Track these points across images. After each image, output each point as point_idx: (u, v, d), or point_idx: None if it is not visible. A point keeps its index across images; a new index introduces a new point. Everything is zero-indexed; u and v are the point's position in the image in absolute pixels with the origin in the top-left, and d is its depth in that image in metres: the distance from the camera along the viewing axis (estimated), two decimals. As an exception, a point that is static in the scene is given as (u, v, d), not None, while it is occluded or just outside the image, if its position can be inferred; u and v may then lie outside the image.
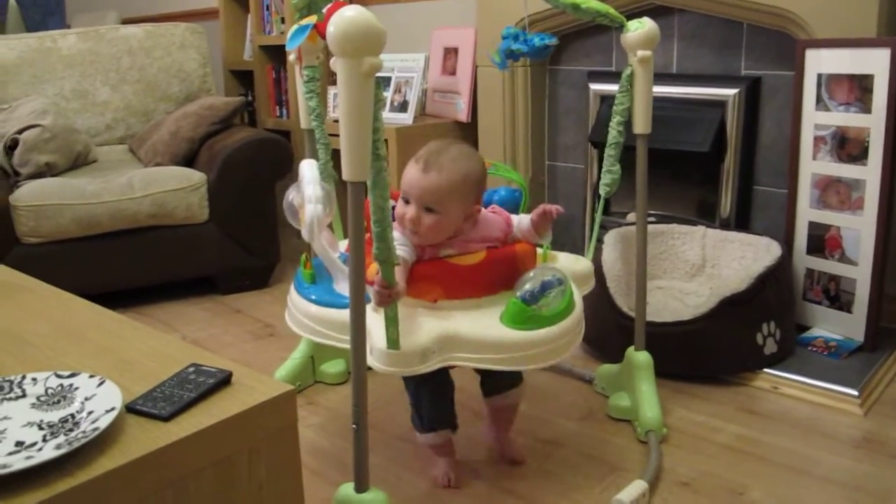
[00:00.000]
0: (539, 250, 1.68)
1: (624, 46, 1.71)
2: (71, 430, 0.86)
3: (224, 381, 0.98)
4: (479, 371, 1.73)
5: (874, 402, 1.95)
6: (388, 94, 3.06)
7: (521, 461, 1.75)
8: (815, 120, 2.13)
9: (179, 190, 2.67)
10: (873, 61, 1.99)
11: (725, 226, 2.46)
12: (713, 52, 2.44)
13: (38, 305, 1.32)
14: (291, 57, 1.83)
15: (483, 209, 1.59)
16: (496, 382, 1.68)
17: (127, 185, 2.62)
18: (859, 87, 2.04)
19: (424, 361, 1.37)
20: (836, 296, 2.18)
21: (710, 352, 2.04)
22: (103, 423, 0.85)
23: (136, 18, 4.20)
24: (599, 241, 2.36)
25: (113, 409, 0.88)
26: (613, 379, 1.97)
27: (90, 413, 0.89)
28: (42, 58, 3.14)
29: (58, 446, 0.82)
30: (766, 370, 2.06)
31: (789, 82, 2.25)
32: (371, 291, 1.32)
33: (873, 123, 2.02)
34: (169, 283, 2.79)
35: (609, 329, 2.11)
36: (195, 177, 2.72)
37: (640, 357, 1.84)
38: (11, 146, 2.72)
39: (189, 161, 2.90)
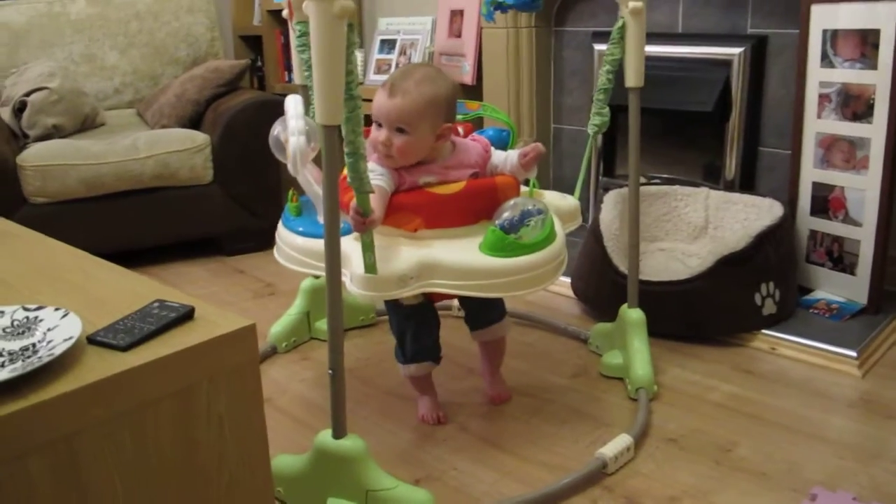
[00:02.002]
0: (524, 188, 1.68)
1: (616, -2, 1.68)
2: (29, 357, 0.87)
3: (186, 315, 0.98)
4: (463, 306, 1.75)
5: (874, 364, 1.92)
6: (393, 57, 3.05)
7: (505, 398, 1.80)
8: (820, 77, 2.09)
9: (183, 151, 2.68)
10: (880, 16, 1.94)
11: (730, 188, 2.42)
12: (719, 11, 2.39)
13: (23, 250, 1.33)
14: (284, 12, 1.83)
15: (461, 136, 1.62)
16: (479, 316, 1.72)
17: (131, 146, 2.64)
18: (865, 43, 1.99)
19: (402, 286, 1.38)
20: (840, 258, 2.14)
21: (707, 311, 2.02)
22: (59, 350, 0.86)
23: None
24: (599, 200, 2.34)
25: (71, 337, 0.89)
26: (607, 337, 1.96)
27: (49, 342, 0.90)
28: (51, 22, 3.16)
29: (13, 370, 0.83)
30: (764, 331, 2.03)
31: (796, 41, 2.20)
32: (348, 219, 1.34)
33: (879, 80, 1.97)
34: (175, 243, 2.81)
35: (605, 288, 2.09)
36: (199, 138, 2.73)
37: (632, 314, 1.83)
38: (20, 108, 2.75)
39: (195, 123, 2.91)
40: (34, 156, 2.56)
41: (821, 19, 2.06)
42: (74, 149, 2.60)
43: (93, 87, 3.15)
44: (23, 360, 0.86)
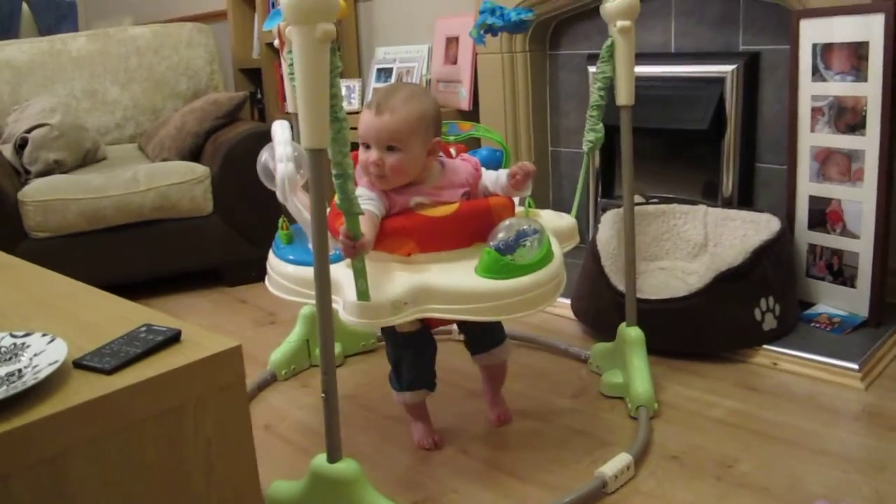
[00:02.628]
0: (520, 208, 1.68)
1: (604, 17, 1.70)
2: (14, 382, 0.87)
3: (173, 338, 0.98)
4: (463, 331, 1.74)
5: (876, 377, 1.90)
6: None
7: (506, 420, 1.78)
8: (812, 91, 2.10)
9: (183, 183, 2.70)
10: (868, 28, 1.95)
11: (728, 205, 2.42)
12: (711, 29, 2.41)
13: (17, 279, 1.34)
14: (276, 42, 1.86)
15: (452, 156, 1.61)
16: (479, 341, 1.70)
17: (132, 178, 2.66)
18: (855, 55, 2.00)
19: (396, 313, 1.36)
20: (840, 270, 2.13)
21: (707, 328, 2.01)
22: (44, 373, 0.87)
23: (150, 23, 4.26)
24: (597, 220, 2.35)
25: (56, 361, 0.89)
26: (607, 357, 1.95)
27: (35, 367, 0.90)
28: (52, 59, 3.20)
29: (-3, 395, 0.84)
30: (765, 346, 2.02)
31: (788, 56, 2.21)
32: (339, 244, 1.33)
33: (870, 91, 1.97)
34: (176, 275, 2.82)
35: (605, 307, 2.09)
36: (199, 170, 2.75)
37: (631, 332, 1.82)
38: (21, 145, 2.78)
39: (195, 155, 2.93)
40: (35, 191, 2.58)
41: (810, 33, 2.07)
42: (75, 183, 2.62)
43: (94, 122, 3.19)
44: (7, 385, 0.87)
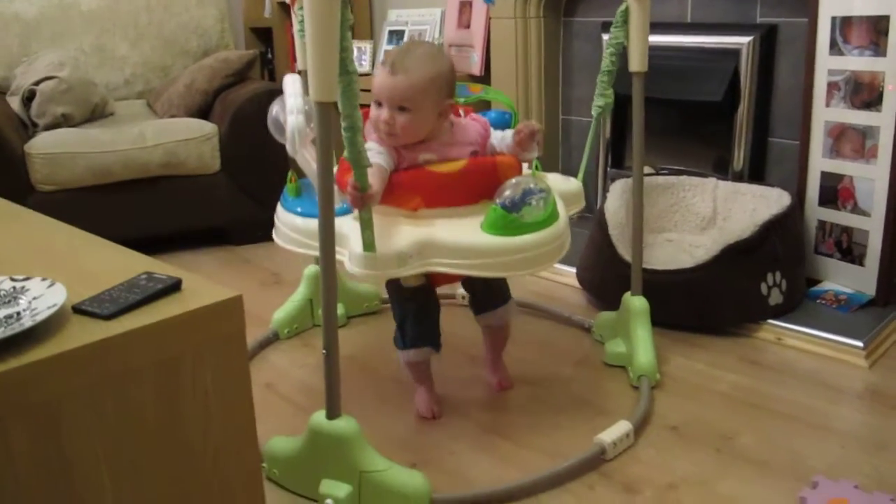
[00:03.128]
0: (528, 171, 1.66)
1: (620, -19, 1.67)
2: (12, 324, 0.87)
3: (173, 286, 0.97)
4: (468, 289, 1.74)
5: (881, 356, 1.89)
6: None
7: (507, 386, 1.78)
8: (829, 65, 2.06)
9: (191, 140, 2.69)
10: (890, 2, 1.91)
11: (739, 179, 2.39)
12: (728, 0, 2.36)
13: (18, 228, 1.33)
14: (288, -2, 1.83)
15: (461, 115, 1.60)
16: (484, 300, 1.70)
17: (139, 134, 2.65)
18: (875, 30, 1.96)
19: (401, 265, 1.36)
20: (849, 248, 2.11)
21: (712, 301, 1.99)
22: (42, 316, 0.86)
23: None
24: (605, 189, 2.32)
25: (55, 305, 0.88)
26: (611, 326, 1.94)
27: (34, 310, 0.90)
28: (62, 14, 3.17)
29: (-6, 336, 0.83)
30: (770, 321, 2.01)
31: (806, 29, 2.17)
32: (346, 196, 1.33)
33: (888, 67, 1.94)
34: (183, 233, 2.81)
35: (610, 277, 2.08)
36: (206, 127, 2.74)
37: (635, 302, 1.81)
38: (29, 97, 2.76)
39: (204, 113, 2.91)
40: (42, 144, 2.57)
41: (830, 6, 2.04)
42: (82, 137, 2.61)
43: (103, 78, 3.16)
44: (5, 327, 0.86)
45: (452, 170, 1.47)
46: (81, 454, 0.85)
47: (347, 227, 1.38)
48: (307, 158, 1.44)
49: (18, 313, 0.91)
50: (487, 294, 1.69)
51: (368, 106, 1.51)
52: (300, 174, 1.64)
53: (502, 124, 1.68)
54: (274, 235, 1.64)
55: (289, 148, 1.45)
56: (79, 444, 0.85)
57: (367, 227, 1.33)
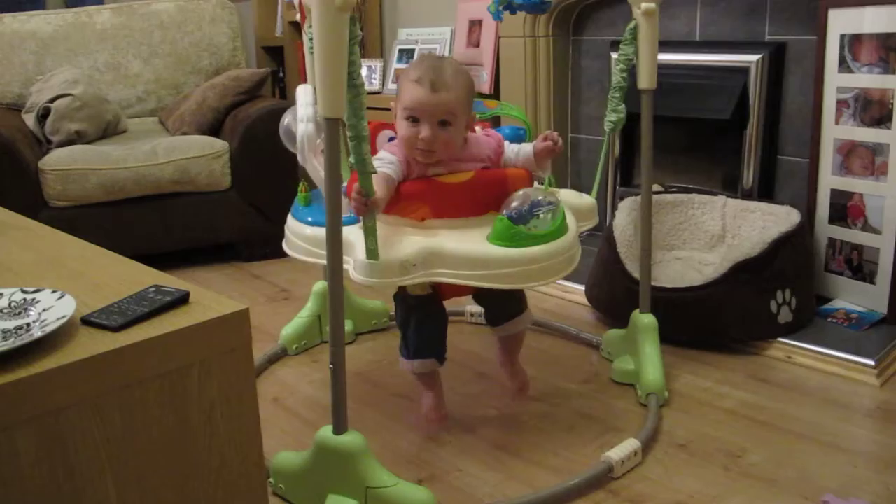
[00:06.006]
0: (539, 186, 1.66)
1: (628, -1, 1.68)
2: (22, 335, 0.88)
3: (181, 299, 0.98)
4: (481, 304, 1.73)
5: (893, 374, 1.88)
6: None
7: (525, 389, 1.78)
8: (838, 83, 2.06)
9: (202, 157, 2.71)
10: (898, 20, 1.92)
11: (748, 196, 2.39)
12: (737, 18, 2.37)
13: (30, 241, 1.35)
14: (298, 16, 1.85)
15: (476, 130, 1.62)
16: (499, 311, 1.69)
17: (151, 151, 2.67)
18: (884, 47, 1.96)
19: (404, 273, 1.36)
20: (859, 266, 2.10)
21: (721, 318, 1.99)
22: (51, 327, 0.87)
23: None
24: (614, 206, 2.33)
25: (64, 316, 0.89)
26: (619, 343, 1.93)
27: (43, 321, 0.90)
28: (77, 32, 3.21)
29: (4, 345, 0.84)
30: (780, 339, 2.00)
31: (815, 47, 2.18)
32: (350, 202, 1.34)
33: (898, 85, 1.94)
34: (193, 249, 2.83)
35: (619, 294, 2.07)
36: (217, 144, 2.76)
37: (644, 319, 1.80)
38: (44, 114, 2.80)
39: (215, 131, 2.93)
40: (55, 160, 2.60)
41: (839, 24, 2.04)
42: (95, 153, 2.64)
43: (116, 95, 3.20)
44: (15, 337, 0.87)
45: (461, 180, 1.48)
46: (88, 464, 0.86)
47: (354, 235, 1.39)
48: (317, 167, 1.46)
49: (28, 324, 0.92)
50: (502, 306, 1.68)
51: (375, 121, 1.53)
52: (311, 184, 1.65)
53: (516, 139, 1.69)
54: (284, 245, 1.64)
55: (299, 157, 1.47)
56: (85, 454, 0.86)
57: (370, 235, 1.33)
